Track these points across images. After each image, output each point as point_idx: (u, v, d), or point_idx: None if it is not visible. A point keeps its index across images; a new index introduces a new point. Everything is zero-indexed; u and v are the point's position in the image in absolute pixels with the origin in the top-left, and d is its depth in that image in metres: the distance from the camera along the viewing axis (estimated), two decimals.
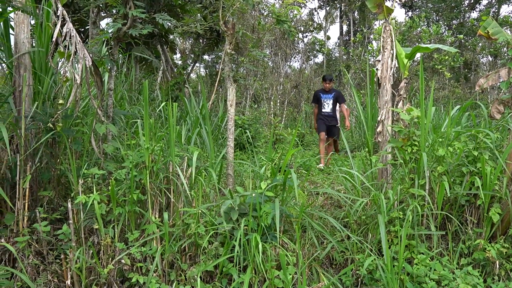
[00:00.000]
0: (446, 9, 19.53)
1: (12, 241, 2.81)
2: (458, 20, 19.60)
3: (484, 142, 3.23)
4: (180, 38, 13.57)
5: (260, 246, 2.57)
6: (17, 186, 2.89)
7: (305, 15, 18.44)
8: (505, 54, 12.68)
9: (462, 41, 14.42)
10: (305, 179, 4.09)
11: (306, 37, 16.77)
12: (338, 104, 6.71)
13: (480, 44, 14.02)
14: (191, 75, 13.20)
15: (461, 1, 19.72)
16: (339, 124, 7.54)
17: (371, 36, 14.67)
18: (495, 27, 3.84)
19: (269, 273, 2.62)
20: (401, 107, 4.98)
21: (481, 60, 15.54)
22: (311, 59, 16.29)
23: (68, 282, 2.65)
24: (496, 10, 18.78)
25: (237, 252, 2.57)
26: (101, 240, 2.77)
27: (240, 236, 2.60)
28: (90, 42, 3.50)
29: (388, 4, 4.53)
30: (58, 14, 2.73)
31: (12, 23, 3.36)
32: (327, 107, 6.62)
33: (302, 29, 15.35)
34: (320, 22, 19.21)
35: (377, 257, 2.79)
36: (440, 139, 3.48)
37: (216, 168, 3.81)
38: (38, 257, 2.86)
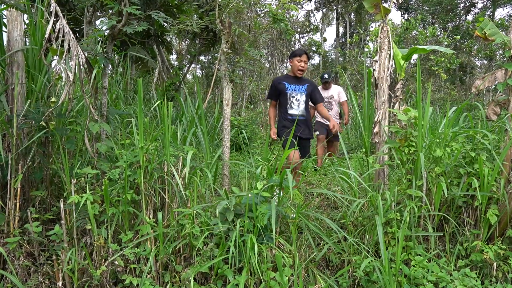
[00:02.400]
0: (442, 12, 19.66)
1: (2, 242, 2.75)
2: (454, 22, 19.73)
3: (481, 143, 3.22)
4: (177, 38, 13.54)
5: (256, 247, 2.53)
6: (8, 186, 2.83)
7: (301, 16, 18.47)
8: (501, 57, 12.77)
9: (458, 43, 14.51)
10: (302, 180, 4.06)
11: (302, 38, 16.80)
12: (312, 103, 4.38)
13: (475, 47, 14.10)
14: (187, 75, 13.16)
15: (456, 4, 19.87)
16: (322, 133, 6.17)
17: (367, 38, 14.70)
18: (492, 28, 3.83)
19: (265, 274, 2.58)
20: (397, 108, 4.97)
21: (476, 62, 15.65)
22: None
23: (60, 283, 2.59)
24: (491, 13, 18.93)
25: (232, 253, 2.53)
26: (94, 241, 2.72)
27: (236, 237, 2.56)
28: (84, 40, 3.46)
29: (385, 5, 4.52)
30: (51, 10, 2.68)
31: (5, 21, 3.31)
32: (296, 106, 4.10)
33: (299, 30, 15.37)
34: (316, 23, 19.25)
35: (374, 259, 2.76)
36: (438, 140, 3.46)
37: (211, 168, 3.77)
38: (29, 258, 2.81)
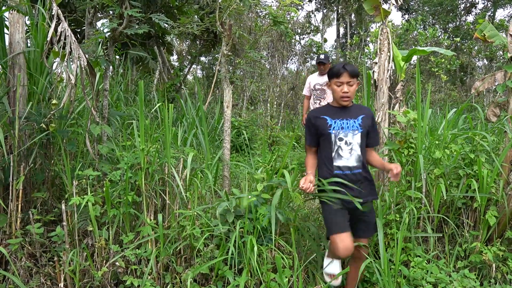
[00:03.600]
0: (442, 13, 19.67)
1: (5, 243, 2.77)
2: (454, 23, 19.74)
3: (480, 144, 3.23)
4: (177, 39, 13.56)
5: (255, 248, 2.55)
6: (10, 187, 2.85)
7: (302, 17, 18.49)
8: (501, 58, 12.77)
9: (458, 44, 14.52)
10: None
11: (303, 39, 16.82)
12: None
13: (476, 48, 14.11)
14: (188, 76, 13.19)
15: (457, 5, 19.88)
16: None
17: (368, 39, 14.72)
18: (492, 30, 3.85)
19: (265, 276, 2.60)
20: (397, 109, 4.99)
21: (477, 63, 15.65)
22: (308, 61, 16.33)
23: (61, 284, 2.61)
24: (492, 14, 18.94)
25: (232, 254, 2.55)
26: (95, 242, 2.74)
27: (236, 238, 2.58)
28: (85, 42, 3.48)
29: (384, 7, 4.54)
30: (53, 13, 2.70)
31: (6, 23, 3.33)
32: (347, 153, 2.52)
33: (299, 31, 15.40)
34: (317, 24, 19.26)
35: (374, 260, 2.78)
36: (437, 142, 3.48)
37: (212, 169, 3.78)
38: (31, 259, 2.83)
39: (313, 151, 2.68)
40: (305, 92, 5.64)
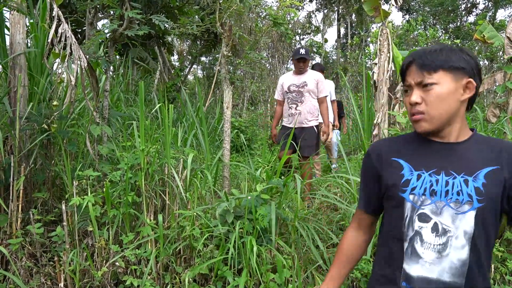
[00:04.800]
0: (443, 13, 19.68)
1: (5, 243, 2.78)
2: (455, 24, 19.76)
3: None
4: (178, 39, 13.58)
5: (255, 249, 2.55)
6: (11, 188, 2.86)
7: (302, 17, 18.51)
8: (501, 58, 12.77)
9: (459, 45, 14.53)
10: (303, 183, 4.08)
11: (303, 39, 16.84)
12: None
13: (476, 48, 14.11)
14: (189, 76, 13.21)
15: (458, 5, 19.89)
16: None
17: (368, 39, 14.73)
18: (491, 31, 3.86)
19: (264, 276, 2.61)
20: (397, 110, 5.00)
21: None
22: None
23: (62, 284, 2.63)
24: (493, 14, 18.94)
25: (232, 254, 2.56)
26: (95, 242, 2.75)
27: (235, 239, 2.59)
28: (86, 43, 3.49)
29: (385, 7, 4.55)
30: (53, 14, 2.71)
31: (7, 24, 3.35)
32: (436, 248, 1.08)
33: (300, 31, 15.42)
34: (317, 24, 19.27)
35: (373, 260, 2.78)
36: None
37: (212, 170, 3.79)
38: (31, 259, 2.84)
39: (366, 224, 1.35)
40: (277, 96, 4.50)
